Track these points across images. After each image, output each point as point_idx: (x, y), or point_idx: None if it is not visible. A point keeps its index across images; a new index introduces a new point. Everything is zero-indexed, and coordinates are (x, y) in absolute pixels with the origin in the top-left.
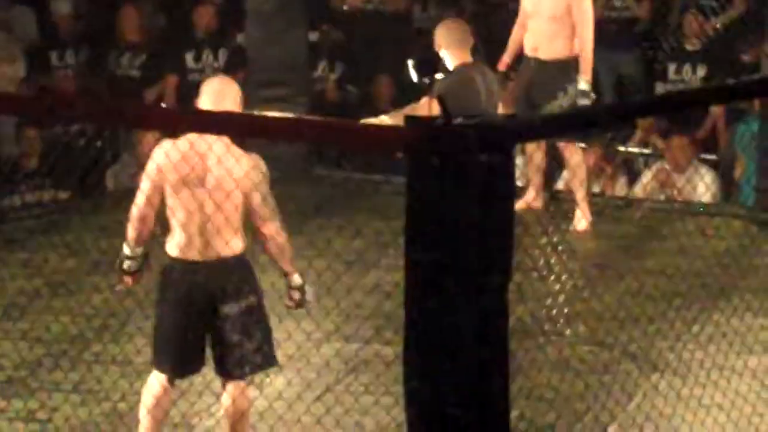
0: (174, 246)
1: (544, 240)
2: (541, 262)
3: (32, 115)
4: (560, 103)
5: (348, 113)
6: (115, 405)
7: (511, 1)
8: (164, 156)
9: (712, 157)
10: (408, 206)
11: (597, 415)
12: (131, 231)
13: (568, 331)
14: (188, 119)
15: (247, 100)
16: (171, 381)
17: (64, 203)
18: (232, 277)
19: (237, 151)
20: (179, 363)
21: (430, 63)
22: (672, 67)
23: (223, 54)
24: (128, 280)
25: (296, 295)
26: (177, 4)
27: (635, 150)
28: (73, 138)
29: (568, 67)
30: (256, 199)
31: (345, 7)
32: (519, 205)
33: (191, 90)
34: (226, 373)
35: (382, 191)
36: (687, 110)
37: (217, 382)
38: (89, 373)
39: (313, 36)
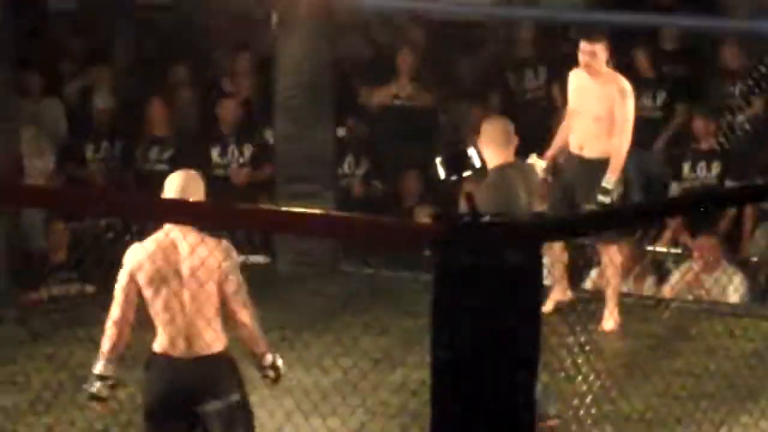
0: (158, 343)
1: (571, 339)
2: (568, 362)
3: (59, 209)
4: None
5: (374, 209)
6: None
7: (542, 99)
8: (132, 258)
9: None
10: (434, 304)
11: None
12: (105, 342)
13: None
14: (219, 214)
15: (275, 196)
16: None
17: (90, 297)
18: (214, 375)
19: (209, 240)
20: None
21: (459, 159)
22: (686, 166)
23: (248, 149)
24: (98, 407)
25: (271, 373)
26: (207, 98)
27: (663, 249)
28: (101, 231)
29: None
30: (231, 286)
31: (373, 103)
32: (546, 306)
33: (215, 184)
34: None
35: (409, 288)
36: (716, 209)
37: None
38: None
39: (340, 131)
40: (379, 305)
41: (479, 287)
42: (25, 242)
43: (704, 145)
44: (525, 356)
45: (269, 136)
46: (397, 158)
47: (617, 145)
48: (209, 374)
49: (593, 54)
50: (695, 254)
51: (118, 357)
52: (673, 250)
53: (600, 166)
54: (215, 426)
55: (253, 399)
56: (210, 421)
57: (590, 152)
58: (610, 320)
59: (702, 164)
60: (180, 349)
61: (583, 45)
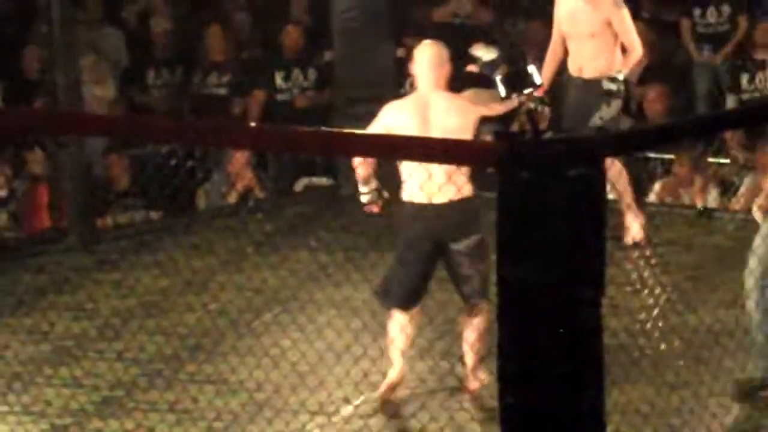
0: (408, 192)
1: (636, 254)
2: (635, 275)
3: (118, 137)
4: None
5: None
6: (211, 424)
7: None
8: (388, 112)
9: None
10: (498, 222)
11: (694, 430)
12: (358, 173)
13: (663, 346)
14: (281, 138)
15: (335, 119)
16: (405, 311)
17: (155, 223)
18: (459, 218)
19: (457, 100)
20: (409, 295)
21: (519, 77)
22: (745, 78)
23: (312, 73)
24: (372, 208)
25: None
26: (266, 23)
27: (725, 161)
28: (164, 158)
29: None
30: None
31: (432, 22)
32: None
33: (279, 108)
34: (464, 298)
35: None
36: None
37: (313, 400)
38: (184, 393)
39: (400, 52)
40: None
41: (543, 204)
42: (89, 170)
43: (763, 56)
44: (590, 271)
45: (329, 58)
46: (457, 76)
47: (631, 51)
48: (454, 217)
49: None
50: (758, 164)
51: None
52: (735, 161)
53: (600, 85)
54: (462, 260)
55: (321, 319)
56: (457, 256)
57: (590, 73)
58: (633, 224)
59: (761, 75)
60: (428, 196)
61: None
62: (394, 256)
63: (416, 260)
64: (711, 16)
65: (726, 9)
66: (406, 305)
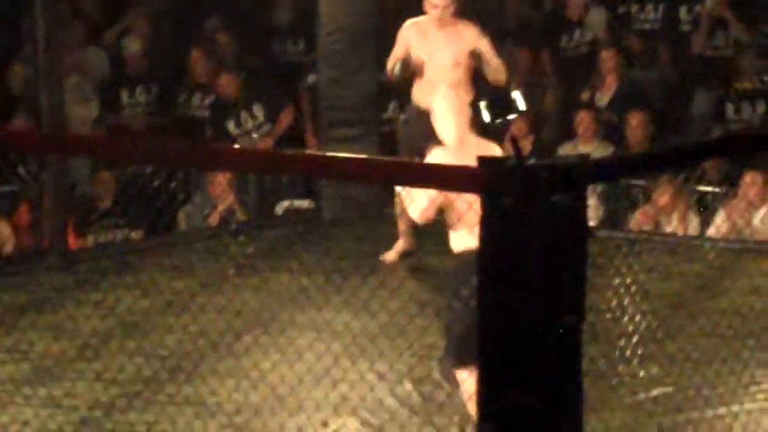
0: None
1: (617, 281)
2: (614, 302)
3: (104, 157)
4: None
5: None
6: None
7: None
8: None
9: None
10: (480, 247)
11: None
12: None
13: (642, 373)
14: (264, 160)
15: (319, 140)
16: None
17: (137, 244)
18: None
19: None
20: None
21: (503, 102)
22: (730, 108)
23: (258, 110)
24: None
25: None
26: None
27: (708, 189)
28: (147, 178)
29: None
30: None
31: None
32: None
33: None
34: None
35: None
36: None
37: (292, 424)
38: (163, 415)
39: (383, 76)
40: (425, 248)
41: (525, 230)
42: (72, 189)
43: (748, 85)
44: (571, 297)
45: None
46: None
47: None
48: None
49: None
50: (740, 192)
51: None
52: (717, 189)
53: None
54: None
55: (301, 342)
56: None
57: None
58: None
59: (746, 104)
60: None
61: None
62: (459, 308)
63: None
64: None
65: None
66: None
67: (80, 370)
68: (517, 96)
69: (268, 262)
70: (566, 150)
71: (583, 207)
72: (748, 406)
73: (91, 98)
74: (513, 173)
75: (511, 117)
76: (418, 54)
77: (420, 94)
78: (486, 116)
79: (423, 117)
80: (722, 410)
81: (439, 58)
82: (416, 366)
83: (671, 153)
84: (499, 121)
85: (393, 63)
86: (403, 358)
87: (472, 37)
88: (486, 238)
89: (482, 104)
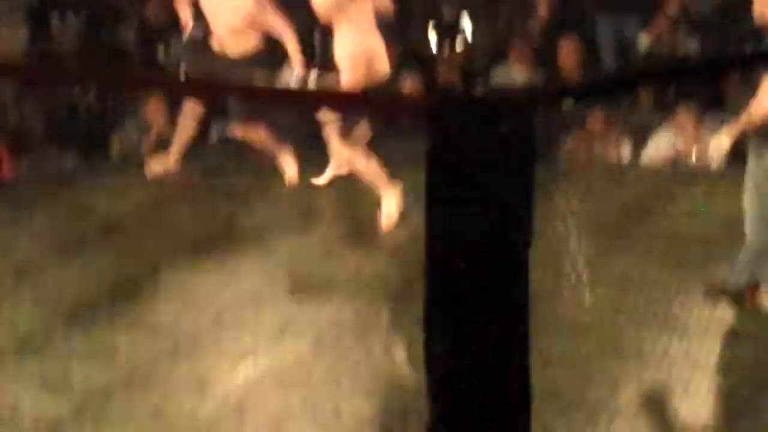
0: None
1: (561, 208)
2: (560, 228)
3: (34, 81)
4: None
5: None
6: None
7: None
8: None
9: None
10: (428, 173)
11: (614, 378)
12: None
13: (587, 296)
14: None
15: None
16: None
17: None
18: None
19: None
20: None
21: (451, 29)
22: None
23: None
24: None
25: None
26: None
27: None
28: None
29: None
30: None
31: None
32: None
33: None
34: None
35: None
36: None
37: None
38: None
39: None
40: None
41: (473, 158)
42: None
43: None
44: (519, 226)
45: None
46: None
47: None
48: None
49: None
50: (674, 128)
51: None
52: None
53: None
54: None
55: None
56: None
57: None
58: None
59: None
60: None
61: None
62: None
63: None
64: None
65: None
66: None
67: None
68: (463, 20)
69: None
70: (499, 73)
71: (532, 133)
72: (691, 328)
73: (19, 24)
74: (460, 102)
75: (457, 41)
76: None
77: None
78: (433, 44)
79: None
80: (665, 333)
81: None
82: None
83: (615, 79)
84: (445, 48)
85: None
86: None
87: None
88: (433, 166)
89: (430, 29)
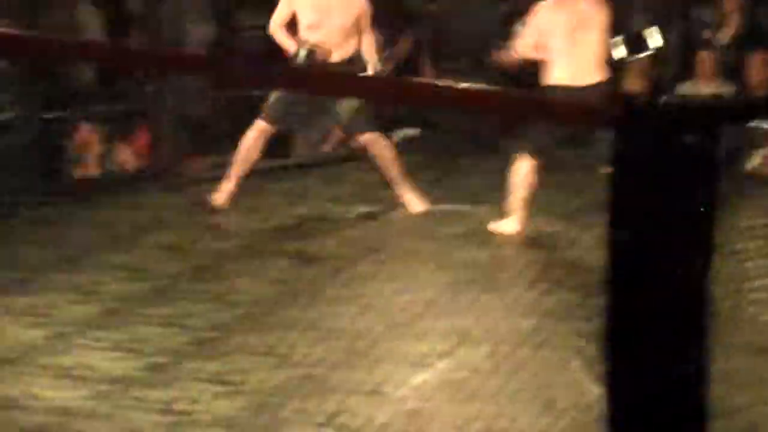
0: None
1: (744, 224)
2: (742, 245)
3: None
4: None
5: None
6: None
7: None
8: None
9: None
10: (611, 184)
11: None
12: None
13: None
14: (380, 87)
15: (435, 70)
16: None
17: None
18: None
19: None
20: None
21: (641, 38)
22: None
23: None
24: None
25: None
26: None
27: None
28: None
29: None
30: None
31: None
32: None
33: None
34: None
35: (575, 164)
36: None
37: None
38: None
39: (503, 6)
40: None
41: (655, 169)
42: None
43: None
44: (701, 239)
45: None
46: None
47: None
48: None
49: None
50: None
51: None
52: None
53: None
54: None
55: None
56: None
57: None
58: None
59: None
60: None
61: None
62: None
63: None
64: None
65: None
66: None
67: (195, 290)
68: (654, 32)
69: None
70: (686, 89)
71: (716, 147)
72: None
73: (209, 18)
74: (647, 111)
75: (646, 53)
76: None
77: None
78: (622, 51)
79: None
80: None
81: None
82: (542, 297)
83: None
84: (633, 57)
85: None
86: (532, 291)
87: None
88: (619, 176)
89: (619, 39)
